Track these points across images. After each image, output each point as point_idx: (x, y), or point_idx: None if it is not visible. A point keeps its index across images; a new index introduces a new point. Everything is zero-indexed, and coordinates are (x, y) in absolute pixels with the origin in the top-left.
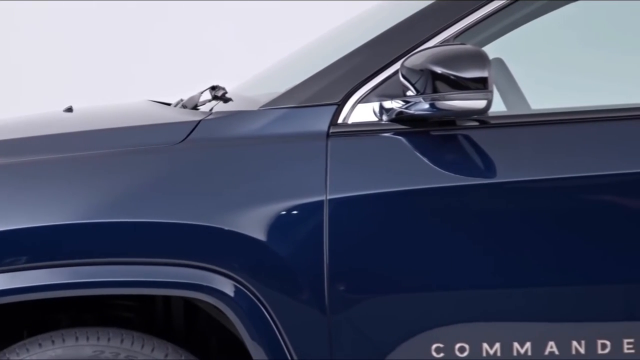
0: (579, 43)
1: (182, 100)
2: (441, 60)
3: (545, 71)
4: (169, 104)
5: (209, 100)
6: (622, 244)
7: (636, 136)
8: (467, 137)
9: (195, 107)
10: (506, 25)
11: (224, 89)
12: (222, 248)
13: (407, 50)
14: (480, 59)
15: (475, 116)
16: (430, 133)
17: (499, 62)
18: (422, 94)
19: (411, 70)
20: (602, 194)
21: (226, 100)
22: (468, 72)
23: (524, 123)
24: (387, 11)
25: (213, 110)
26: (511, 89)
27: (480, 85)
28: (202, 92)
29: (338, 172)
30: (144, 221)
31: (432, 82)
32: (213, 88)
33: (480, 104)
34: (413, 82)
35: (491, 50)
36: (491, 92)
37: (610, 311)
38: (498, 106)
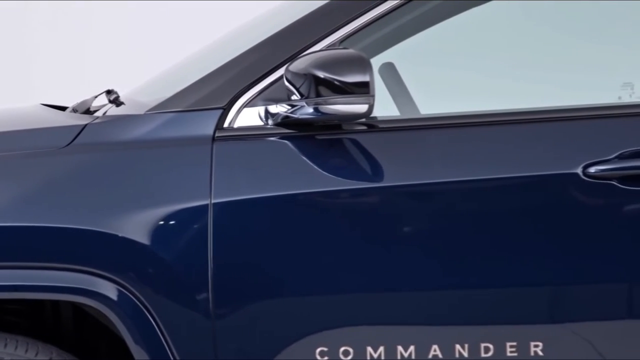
0: (470, 48)
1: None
2: (323, 65)
3: (437, 76)
4: (64, 108)
5: (104, 105)
6: (500, 248)
7: (522, 140)
8: (354, 141)
9: (87, 111)
10: (396, 30)
11: (117, 92)
12: (107, 252)
13: (293, 55)
14: (362, 64)
15: (363, 120)
16: (316, 137)
17: (390, 66)
18: (306, 98)
19: (295, 74)
20: (488, 198)
21: (119, 104)
22: (350, 77)
23: (412, 127)
24: (282, 13)
25: (104, 114)
26: (401, 93)
27: (362, 89)
28: (96, 96)
29: (222, 176)
30: (28, 225)
31: (315, 86)
32: (108, 92)
33: (362, 108)
34: (297, 86)
35: (384, 54)
36: (373, 96)
37: (493, 315)
38: (391, 110)
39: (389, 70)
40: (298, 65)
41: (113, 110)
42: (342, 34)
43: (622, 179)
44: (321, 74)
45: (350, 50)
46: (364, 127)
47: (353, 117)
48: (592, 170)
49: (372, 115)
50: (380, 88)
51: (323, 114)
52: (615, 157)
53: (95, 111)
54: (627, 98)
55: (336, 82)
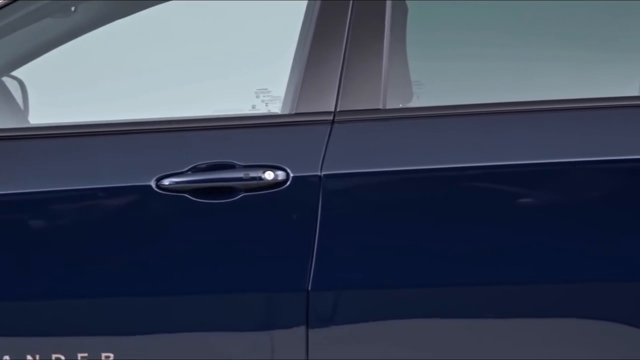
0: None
1: None
2: None
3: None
4: None
5: None
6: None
7: (105, 151)
8: None
9: None
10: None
11: None
12: None
13: None
14: None
15: None
16: None
17: None
18: None
19: None
20: (63, 209)
21: None
22: None
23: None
24: None
25: None
26: (8, 103)
27: None
28: None
29: None
30: None
31: None
32: None
33: None
34: None
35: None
36: None
37: (60, 326)
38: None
39: None
40: None
41: None
42: None
43: (195, 192)
44: None
45: None
46: None
47: None
48: (165, 182)
49: None
50: None
51: None
52: (189, 170)
53: None
54: (261, 106)
55: None
